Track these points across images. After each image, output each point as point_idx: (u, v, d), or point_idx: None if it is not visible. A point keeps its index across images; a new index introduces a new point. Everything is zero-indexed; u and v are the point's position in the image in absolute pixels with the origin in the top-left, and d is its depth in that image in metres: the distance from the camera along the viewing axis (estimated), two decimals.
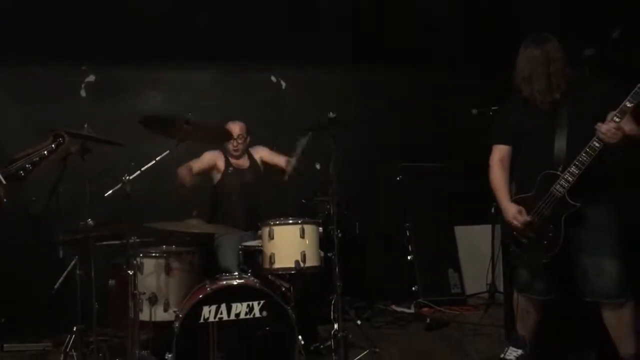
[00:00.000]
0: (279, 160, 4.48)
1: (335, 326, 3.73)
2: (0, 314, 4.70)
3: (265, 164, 4.55)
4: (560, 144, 2.96)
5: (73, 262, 3.92)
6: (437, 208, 5.47)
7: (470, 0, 5.31)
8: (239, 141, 4.40)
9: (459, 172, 5.35)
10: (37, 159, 2.19)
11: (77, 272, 3.79)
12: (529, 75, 3.01)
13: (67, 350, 3.73)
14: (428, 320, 4.60)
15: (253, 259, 3.81)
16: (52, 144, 2.23)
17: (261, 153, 4.57)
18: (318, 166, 5.32)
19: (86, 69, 5.11)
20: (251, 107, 5.27)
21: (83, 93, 5.10)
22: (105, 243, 3.79)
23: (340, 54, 5.33)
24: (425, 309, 4.98)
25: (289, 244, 3.54)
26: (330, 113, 3.73)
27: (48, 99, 4.95)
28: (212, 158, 4.42)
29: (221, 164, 4.40)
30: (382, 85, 5.65)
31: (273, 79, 5.41)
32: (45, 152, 2.21)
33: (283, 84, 5.44)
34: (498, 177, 3.20)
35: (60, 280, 4.07)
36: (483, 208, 4.57)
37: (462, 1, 5.33)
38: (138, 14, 4.95)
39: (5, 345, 4.42)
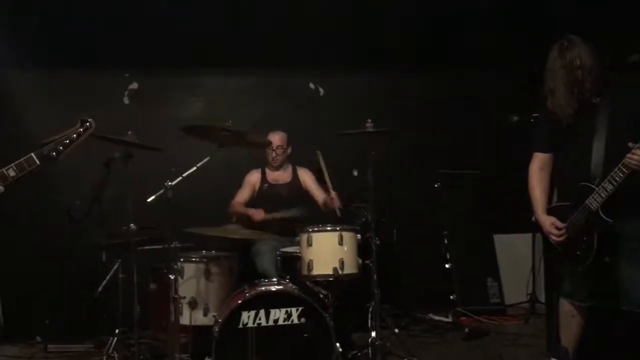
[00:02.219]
0: (318, 194, 4.55)
1: (373, 334, 3.73)
2: (44, 315, 4.84)
3: (306, 187, 4.61)
4: (597, 155, 2.89)
5: (116, 266, 4.00)
6: (476, 216, 5.40)
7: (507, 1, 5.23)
8: (278, 152, 4.45)
9: (498, 179, 5.27)
10: (67, 141, 2.33)
11: (120, 275, 3.88)
12: (551, 89, 2.95)
13: (110, 352, 3.81)
14: (466, 329, 4.54)
15: (291, 265, 3.82)
16: (80, 128, 2.37)
17: (306, 177, 4.63)
18: (355, 173, 5.31)
19: (129, 76, 5.22)
20: (289, 113, 5.30)
21: (126, 100, 5.21)
22: (146, 247, 3.85)
23: (379, 60, 5.31)
24: (464, 318, 4.91)
25: (327, 251, 3.54)
26: (369, 121, 3.73)
27: (92, 105, 5.05)
28: (250, 181, 4.54)
29: (257, 183, 4.47)
30: (421, 91, 5.61)
31: (311, 85, 5.43)
32: (74, 136, 2.35)
33: (321, 90, 5.46)
34: (536, 186, 3.14)
35: (103, 284, 4.16)
36: (523, 216, 4.49)
37: (499, 2, 5.25)
38: (179, 22, 5.03)
39: (49, 345, 4.54)
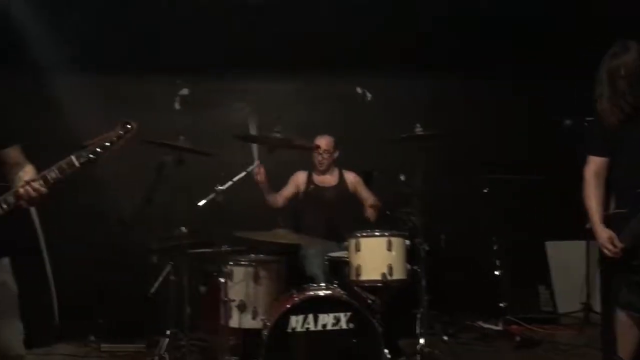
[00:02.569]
0: (367, 197, 4.58)
1: (421, 341, 3.70)
2: (98, 315, 4.98)
3: (354, 190, 4.61)
4: None
5: (167, 269, 4.08)
6: (527, 222, 5.27)
7: (565, 5, 5.09)
8: (325, 156, 4.48)
9: (551, 183, 5.14)
10: (108, 143, 2.28)
11: (171, 278, 3.96)
12: (599, 94, 2.88)
13: (161, 353, 3.88)
14: (517, 338, 4.44)
15: (339, 270, 3.82)
16: (120, 131, 2.31)
17: (354, 179, 4.65)
18: (403, 177, 5.26)
19: (180, 82, 5.32)
20: (336, 118, 5.30)
21: (177, 106, 5.31)
22: (197, 251, 3.91)
23: (426, 63, 5.26)
24: (514, 327, 4.80)
25: (376, 256, 3.53)
26: (418, 125, 3.71)
27: (143, 111, 5.16)
28: (295, 179, 4.58)
29: (302, 184, 4.50)
30: (469, 95, 5.52)
31: (359, 90, 5.42)
32: (115, 138, 2.29)
33: (369, 95, 5.43)
34: (592, 194, 3.03)
35: (155, 286, 4.25)
36: (577, 222, 4.36)
37: (555, 6, 5.12)
38: (228, 28, 5.10)
39: (102, 345, 4.66)
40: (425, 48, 5.21)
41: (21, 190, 2.24)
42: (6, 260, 2.45)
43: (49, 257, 4.93)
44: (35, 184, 2.23)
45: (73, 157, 2.25)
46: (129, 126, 2.32)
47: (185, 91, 5.32)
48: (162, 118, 5.15)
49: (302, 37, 5.15)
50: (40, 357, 4.47)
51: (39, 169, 2.40)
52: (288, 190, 4.56)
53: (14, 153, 2.45)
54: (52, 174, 2.24)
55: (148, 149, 4.01)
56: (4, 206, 2.27)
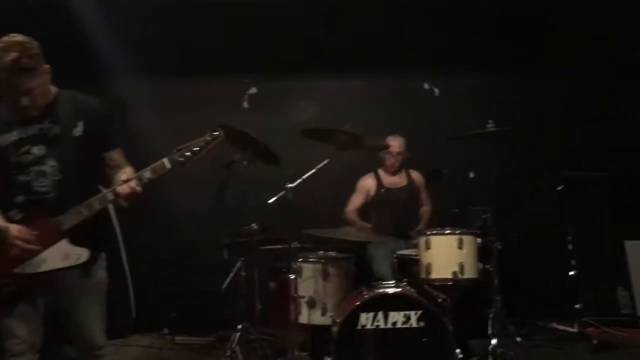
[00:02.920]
0: (426, 200, 4.62)
1: (494, 341, 3.62)
2: (171, 308, 5.15)
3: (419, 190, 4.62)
4: None
5: (238, 264, 4.16)
6: (604, 220, 5.03)
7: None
8: (398, 158, 4.45)
9: (630, 181, 4.91)
10: (197, 148, 2.43)
11: (242, 273, 4.04)
12: None
13: (232, 346, 3.97)
14: (595, 341, 4.27)
15: (407, 268, 3.80)
16: (208, 137, 2.46)
17: (419, 179, 4.66)
18: (472, 175, 5.16)
19: (248, 81, 5.42)
20: (403, 114, 5.26)
21: (245, 104, 5.41)
22: (267, 247, 3.97)
23: (495, 58, 5.13)
24: (591, 329, 4.60)
25: (447, 255, 3.48)
26: (490, 122, 3.62)
27: (213, 110, 5.30)
28: (365, 186, 4.57)
29: (372, 188, 4.49)
30: (541, 90, 5.35)
31: (426, 86, 5.36)
32: (203, 143, 2.44)
33: (436, 90, 5.36)
34: None
35: (227, 281, 4.35)
36: None
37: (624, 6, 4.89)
38: (294, 27, 5.14)
39: (176, 337, 4.82)
40: (492, 45, 5.08)
41: (119, 189, 2.36)
42: (104, 255, 2.60)
43: (125, 253, 5.15)
44: (132, 183, 2.36)
45: (165, 160, 2.39)
46: (216, 133, 2.46)
47: (253, 90, 5.42)
48: (231, 117, 5.26)
49: (367, 36, 5.14)
50: (118, 348, 4.66)
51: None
52: (359, 200, 4.58)
53: (116, 155, 2.58)
54: (147, 174, 2.39)
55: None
56: (101, 205, 2.40)
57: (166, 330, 5.05)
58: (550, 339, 4.51)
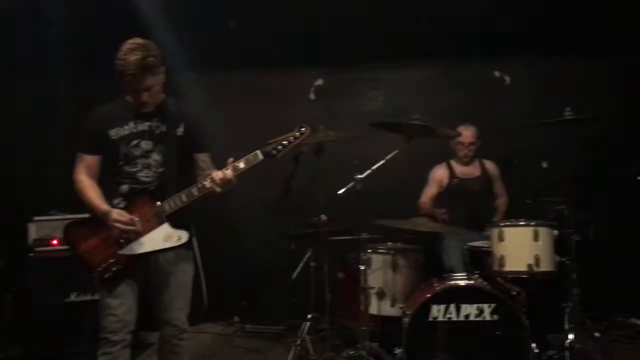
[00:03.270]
0: (500, 191, 4.50)
1: (570, 336, 3.51)
2: (241, 297, 5.26)
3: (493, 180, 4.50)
4: None
5: (307, 255, 4.20)
6: None
7: None
8: (471, 148, 4.36)
9: None
10: (286, 142, 2.65)
11: (311, 264, 4.07)
12: None
13: (302, 336, 4.02)
14: None
15: (479, 260, 3.72)
16: (297, 133, 2.68)
17: (493, 170, 4.53)
18: (545, 164, 5.00)
19: (315, 73, 5.43)
20: (473, 103, 5.12)
21: (312, 96, 5.44)
22: (336, 238, 3.99)
23: (570, 44, 4.93)
24: None
25: (521, 247, 3.38)
26: (567, 109, 3.49)
27: (281, 102, 5.35)
28: (437, 176, 4.48)
29: (445, 178, 4.41)
30: (618, 76, 5.08)
31: (496, 74, 5.21)
32: (292, 139, 2.66)
33: (507, 78, 5.21)
34: None
35: (297, 271, 4.40)
36: None
37: None
38: (360, 18, 5.11)
39: (246, 325, 4.93)
40: (567, 29, 4.88)
41: (215, 175, 2.57)
42: (195, 243, 2.90)
43: (197, 242, 5.28)
44: (227, 171, 2.57)
45: (259, 152, 2.61)
46: (303, 129, 2.68)
47: (320, 81, 5.43)
48: (298, 109, 5.31)
49: (435, 21, 5.04)
50: (192, 334, 4.77)
51: None
52: (432, 190, 4.49)
53: (206, 157, 2.85)
54: (241, 164, 2.59)
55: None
56: (199, 192, 2.64)
57: (236, 319, 5.17)
58: (631, 336, 4.31)
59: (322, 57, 5.27)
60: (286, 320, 4.83)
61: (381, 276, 3.83)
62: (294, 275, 4.45)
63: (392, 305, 3.77)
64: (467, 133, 4.31)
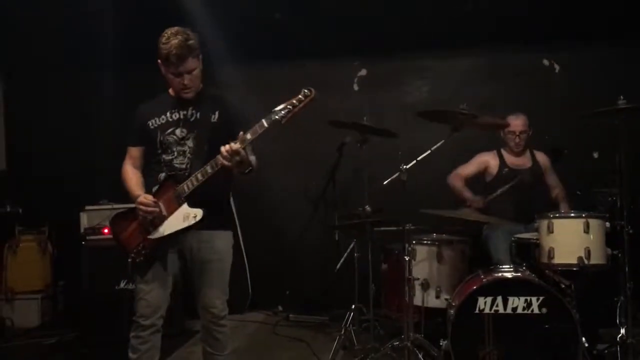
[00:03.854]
0: (554, 184, 4.34)
1: (622, 331, 3.41)
2: (285, 287, 5.31)
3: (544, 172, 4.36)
4: None
5: (352, 245, 4.20)
6: None
7: None
8: (522, 137, 4.22)
9: None
10: (290, 107, 2.58)
11: (355, 254, 4.07)
12: None
13: (346, 326, 4.03)
14: None
15: (526, 252, 3.65)
16: (301, 96, 2.61)
17: (545, 161, 4.38)
18: (596, 155, 4.87)
19: (358, 64, 5.41)
20: (520, 93, 5.01)
21: (355, 87, 5.42)
22: (381, 229, 3.98)
23: (620, 30, 4.76)
24: None
25: (571, 239, 3.29)
26: (621, 97, 3.37)
27: (324, 94, 5.30)
28: (483, 161, 4.36)
29: (494, 167, 4.29)
30: None
31: (545, 62, 5.08)
32: (295, 102, 2.59)
33: (557, 67, 5.07)
34: None
35: (341, 261, 4.42)
36: None
37: None
38: (401, 7, 5.05)
39: (290, 315, 4.97)
40: (618, 14, 4.71)
41: (223, 149, 2.54)
42: (229, 233, 2.90)
43: (242, 232, 5.36)
44: (233, 144, 2.54)
45: (264, 120, 2.56)
46: (307, 91, 2.61)
47: (363, 72, 5.41)
48: (341, 100, 5.29)
49: (481, 8, 4.95)
50: (236, 323, 4.88)
51: None
52: (469, 170, 4.37)
53: None
54: (248, 135, 2.55)
55: (331, 130, 4.15)
56: (212, 168, 2.62)
57: (280, 308, 5.23)
58: None
59: (365, 48, 5.25)
60: (330, 310, 4.85)
61: (426, 267, 3.81)
62: (338, 266, 4.46)
63: (437, 297, 3.75)
64: (517, 122, 4.20)
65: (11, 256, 4.96)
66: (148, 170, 2.88)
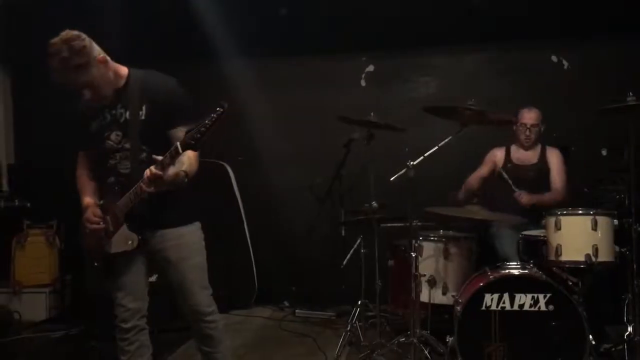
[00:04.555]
0: (557, 179, 4.19)
1: (630, 329, 3.40)
2: (291, 282, 5.32)
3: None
4: None
5: (358, 241, 4.20)
6: None
7: None
8: (533, 131, 4.17)
9: None
10: (204, 128, 2.26)
11: (362, 250, 4.07)
12: None
13: (352, 322, 4.04)
14: None
15: (534, 249, 3.63)
16: (214, 114, 2.26)
17: (554, 159, 4.25)
18: (604, 152, 4.84)
19: (365, 60, 5.40)
20: (528, 90, 4.98)
21: (363, 83, 5.41)
22: (388, 225, 3.97)
23: (633, 25, 4.72)
24: None
25: (579, 236, 3.28)
26: (630, 94, 3.35)
27: (332, 89, 5.35)
28: (492, 158, 4.34)
29: (500, 161, 4.27)
30: None
31: (554, 58, 5.05)
32: (209, 122, 2.25)
33: (565, 63, 5.04)
34: None
35: (347, 257, 4.42)
36: None
37: None
38: (408, 4, 5.03)
39: (296, 310, 4.98)
40: (631, 9, 4.67)
41: (145, 175, 2.39)
42: (193, 226, 2.74)
43: (248, 228, 5.38)
44: (152, 168, 2.36)
45: (178, 144, 2.31)
46: (220, 109, 2.27)
47: (371, 68, 5.40)
48: (349, 96, 5.29)
49: (488, 3, 4.93)
50: (242, 318, 4.91)
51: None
52: (482, 171, 4.33)
53: (180, 133, 2.42)
54: (166, 159, 2.35)
55: (338, 125, 4.15)
56: (136, 196, 2.48)
57: (286, 303, 5.24)
58: None
59: (373, 43, 5.23)
60: (336, 306, 4.87)
61: (432, 264, 3.80)
62: (345, 262, 4.46)
63: (444, 294, 3.75)
64: (530, 115, 4.15)
65: (19, 250, 4.99)
66: (100, 176, 2.72)
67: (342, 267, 4.55)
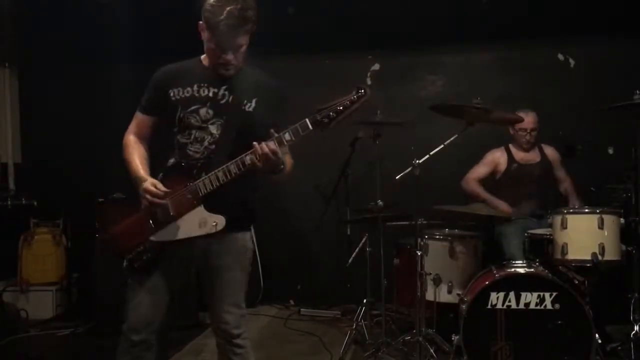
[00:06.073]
0: (562, 177, 4.31)
1: (636, 328, 3.41)
2: (297, 281, 5.33)
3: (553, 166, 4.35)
4: None
5: (363, 240, 4.21)
6: None
7: None
8: (532, 134, 4.21)
9: None
10: (341, 108, 2.18)
11: (367, 249, 4.08)
12: None
13: (358, 320, 4.04)
14: None
15: (540, 248, 3.63)
16: (354, 95, 2.21)
17: (554, 155, 4.36)
18: (610, 151, 4.82)
19: (371, 58, 5.39)
20: (534, 88, 4.97)
21: (369, 81, 5.40)
22: (393, 223, 3.97)
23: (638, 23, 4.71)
24: None
25: (585, 235, 3.28)
26: (637, 92, 3.34)
27: (336, 88, 5.30)
28: (493, 159, 4.34)
29: (503, 163, 4.28)
30: None
31: (560, 56, 5.03)
32: (348, 102, 2.19)
33: (572, 61, 5.02)
34: None
35: (353, 256, 4.42)
36: None
37: None
38: (415, 2, 5.03)
39: (302, 309, 4.99)
40: (635, 9, 4.65)
41: (257, 148, 2.17)
42: (248, 234, 2.49)
43: (253, 226, 5.36)
44: (270, 144, 2.16)
45: (307, 120, 2.18)
46: (362, 91, 2.21)
47: (376, 66, 5.39)
48: None
49: (495, 4, 4.91)
50: (248, 316, 4.86)
51: None
52: (481, 170, 4.34)
53: None
54: (287, 135, 2.18)
55: (344, 124, 4.13)
56: (237, 168, 2.22)
57: (292, 302, 5.25)
58: None
59: (379, 42, 5.22)
60: (342, 304, 4.87)
61: (438, 262, 3.80)
62: (350, 260, 4.46)
63: (449, 292, 3.75)
64: (528, 119, 4.17)
65: (26, 248, 5.01)
66: (160, 151, 2.42)
67: (347, 265, 4.55)
